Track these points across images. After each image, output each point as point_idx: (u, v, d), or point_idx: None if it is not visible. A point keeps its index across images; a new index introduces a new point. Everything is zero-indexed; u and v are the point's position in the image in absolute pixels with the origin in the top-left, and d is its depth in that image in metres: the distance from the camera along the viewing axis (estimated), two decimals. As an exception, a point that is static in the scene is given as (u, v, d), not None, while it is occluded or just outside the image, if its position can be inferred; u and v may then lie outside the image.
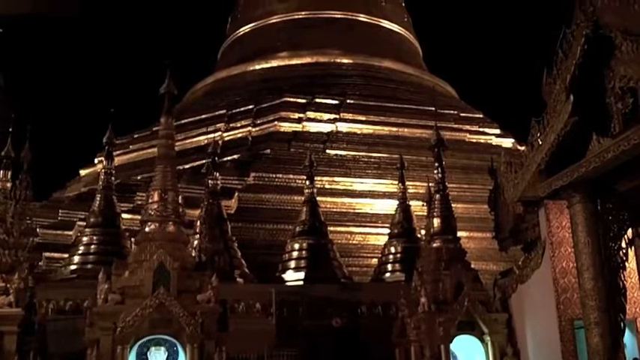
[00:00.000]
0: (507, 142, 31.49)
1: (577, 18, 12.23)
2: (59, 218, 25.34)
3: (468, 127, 31.60)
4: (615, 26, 11.55)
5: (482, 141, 31.32)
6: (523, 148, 15.50)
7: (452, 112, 31.91)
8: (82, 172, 32.06)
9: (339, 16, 36.99)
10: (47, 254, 22.65)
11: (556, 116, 12.42)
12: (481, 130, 31.99)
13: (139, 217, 15.18)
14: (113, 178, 20.30)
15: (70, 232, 24.05)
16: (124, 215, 21.00)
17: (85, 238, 19.22)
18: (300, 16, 36.96)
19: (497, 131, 32.25)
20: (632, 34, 11.16)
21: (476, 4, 57.71)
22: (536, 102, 13.47)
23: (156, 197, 13.59)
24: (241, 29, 38.65)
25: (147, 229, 13.56)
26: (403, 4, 40.30)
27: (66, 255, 20.05)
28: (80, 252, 18.96)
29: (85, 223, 20.33)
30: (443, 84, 37.16)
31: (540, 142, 12.94)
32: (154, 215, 13.52)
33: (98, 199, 19.61)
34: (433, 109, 28.29)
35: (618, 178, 12.21)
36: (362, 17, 37.37)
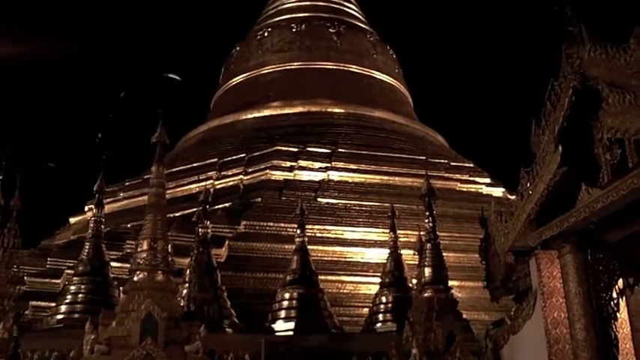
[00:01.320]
0: (498, 192, 31.61)
1: (564, 70, 12.45)
2: (47, 266, 25.05)
3: (458, 176, 31.76)
4: (602, 79, 11.75)
5: (472, 190, 31.44)
6: (513, 197, 15.57)
7: (442, 161, 32.12)
8: (72, 220, 31.88)
9: (331, 67, 37.49)
10: (34, 303, 22.31)
11: (545, 167, 12.53)
12: (471, 179, 32.15)
13: (128, 265, 15.05)
14: (103, 226, 20.19)
15: (58, 281, 23.76)
16: (113, 263, 20.82)
17: (72, 287, 19.00)
18: (293, 67, 37.45)
19: (488, 180, 32.41)
20: (618, 86, 11.36)
21: (467, 55, 58.72)
22: (526, 152, 13.63)
23: (145, 246, 13.52)
24: (234, 79, 39.08)
25: (135, 278, 13.45)
26: (394, 56, 40.92)
27: (53, 304, 19.78)
28: (67, 301, 18.72)
29: (73, 272, 20.13)
30: (433, 133, 37.48)
31: (530, 192, 13.02)
32: (143, 264, 13.42)
33: (87, 247, 19.47)
34: (424, 158, 28.54)
35: (608, 229, 12.25)
36: (354, 68, 37.88)
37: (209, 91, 41.73)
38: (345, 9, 41.00)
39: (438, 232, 17.22)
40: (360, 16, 41.42)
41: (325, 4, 40.39)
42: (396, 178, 30.21)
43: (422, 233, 17.74)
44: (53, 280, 23.94)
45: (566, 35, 12.70)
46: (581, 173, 11.97)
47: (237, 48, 40.60)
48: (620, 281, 12.49)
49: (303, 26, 38.49)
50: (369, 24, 41.53)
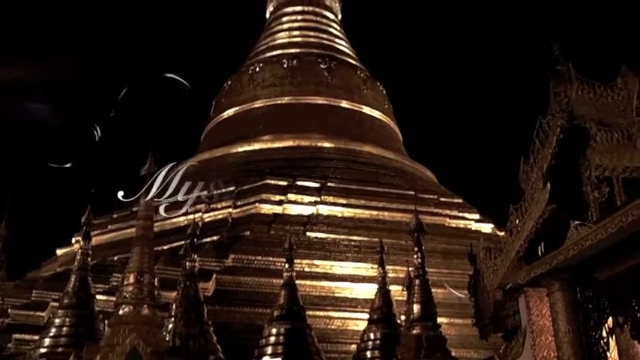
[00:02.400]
0: (487, 228, 31.62)
1: (552, 108, 12.57)
2: (32, 298, 24.76)
3: (447, 211, 31.77)
4: (590, 117, 11.88)
5: (461, 226, 31.45)
6: (502, 233, 15.58)
7: (432, 196, 32.16)
8: (59, 252, 31.61)
9: (321, 102, 37.73)
10: (17, 336, 22.02)
11: (534, 204, 12.56)
12: (460, 215, 32.17)
13: (114, 298, 14.90)
14: (89, 259, 20.00)
15: (43, 313, 23.46)
16: (99, 296, 20.59)
17: (57, 320, 18.73)
18: (283, 102, 37.67)
19: (477, 216, 32.44)
20: (606, 124, 11.49)
21: (457, 92, 59.33)
22: (515, 189, 13.68)
23: (131, 279, 13.45)
24: (225, 113, 39.22)
25: (121, 312, 13.33)
26: (384, 92, 41.26)
27: (37, 337, 19.49)
28: (51, 334, 18.43)
29: (58, 304, 19.88)
30: (422, 169, 37.62)
31: (519, 229, 13.03)
32: (129, 297, 13.33)
33: (73, 279, 19.25)
34: (413, 193, 28.54)
35: (598, 267, 12.24)
36: (344, 103, 38.12)
37: (200, 124, 41.82)
38: (336, 45, 41.41)
39: (426, 268, 17.17)
40: (350, 53, 41.84)
41: (316, 40, 40.81)
42: (385, 213, 30.19)
43: (411, 269, 17.69)
44: (38, 313, 23.63)
45: (554, 73, 12.85)
46: (570, 211, 12.00)
47: (229, 82, 40.84)
48: (610, 320, 12.43)
49: (295, 62, 38.82)
50: (360, 60, 41.93)
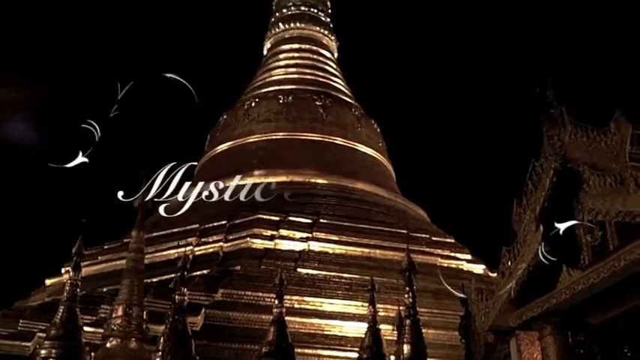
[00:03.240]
0: (478, 269, 31.54)
1: (545, 151, 12.67)
2: (19, 328, 24.47)
3: (439, 251, 31.68)
4: (583, 161, 11.99)
5: (453, 266, 31.36)
6: (494, 275, 15.56)
7: (424, 235, 32.11)
8: (48, 282, 31.33)
9: (315, 138, 37.90)
10: (1, 367, 21.75)
11: (526, 246, 12.59)
12: (452, 255, 32.10)
13: (101, 330, 14.73)
14: (79, 290, 19.79)
15: (29, 344, 23.16)
16: (87, 328, 20.22)
17: (43, 351, 18.41)
18: (278, 137, 37.83)
19: (469, 257, 32.37)
20: (599, 169, 11.58)
21: (451, 134, 59.76)
22: (507, 230, 13.71)
23: (120, 312, 13.34)
24: (219, 147, 39.31)
25: (108, 345, 13.21)
26: (378, 130, 41.50)
27: (21, 368, 19.27)
28: (36, 366, 18.20)
29: (45, 335, 19.62)
30: (415, 207, 37.64)
31: (511, 271, 13.03)
32: (117, 330, 13.22)
33: (61, 310, 18.98)
34: (405, 231, 28.51)
35: (589, 311, 12.23)
36: (338, 140, 38.29)
37: (195, 156, 41.83)
38: (332, 83, 41.78)
39: (417, 308, 17.07)
40: (346, 90, 42.19)
41: (312, 77, 41.17)
42: (377, 251, 30.10)
43: (401, 308, 17.57)
44: (24, 343, 23.35)
45: (548, 117, 12.98)
46: (562, 254, 12.02)
47: (224, 116, 41.02)
48: (601, 365, 12.38)
49: (290, 98, 39.09)
50: (355, 98, 42.26)
